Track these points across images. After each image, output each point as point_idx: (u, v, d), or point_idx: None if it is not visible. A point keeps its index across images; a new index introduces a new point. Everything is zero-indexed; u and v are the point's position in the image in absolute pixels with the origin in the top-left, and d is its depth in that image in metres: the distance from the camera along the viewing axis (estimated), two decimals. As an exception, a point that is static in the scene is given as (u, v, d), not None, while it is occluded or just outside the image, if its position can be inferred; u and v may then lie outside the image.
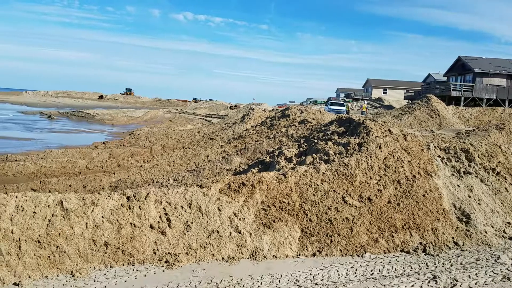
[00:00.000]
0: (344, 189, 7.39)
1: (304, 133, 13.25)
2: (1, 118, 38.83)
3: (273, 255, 6.29)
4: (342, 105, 37.91)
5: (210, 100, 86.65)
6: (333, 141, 9.36)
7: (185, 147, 20.07)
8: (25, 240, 5.31)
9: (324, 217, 6.86)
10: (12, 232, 5.29)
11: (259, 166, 10.06)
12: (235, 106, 65.22)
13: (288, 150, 9.98)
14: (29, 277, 5.11)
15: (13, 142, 22.84)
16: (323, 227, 6.76)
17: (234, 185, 6.92)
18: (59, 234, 5.50)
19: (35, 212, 5.52)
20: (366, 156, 8.03)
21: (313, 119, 16.46)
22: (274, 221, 6.63)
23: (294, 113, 18.20)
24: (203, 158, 15.13)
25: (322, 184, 7.30)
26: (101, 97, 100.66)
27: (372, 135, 8.79)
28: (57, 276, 5.23)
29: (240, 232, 6.40)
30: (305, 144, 10.51)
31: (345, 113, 30.76)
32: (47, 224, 5.53)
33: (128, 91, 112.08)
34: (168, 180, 12.91)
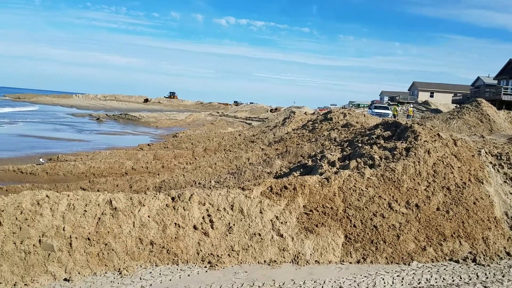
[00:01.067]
0: (390, 195, 7.17)
1: (348, 137, 13.01)
2: (53, 120, 41.01)
3: (316, 260, 6.20)
4: (386, 108, 36.83)
5: (250, 103, 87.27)
6: (378, 145, 9.11)
7: (226, 150, 20.29)
8: (76, 238, 5.53)
9: (369, 223, 6.68)
10: (63, 230, 5.53)
11: (301, 170, 9.97)
12: (276, 109, 65.26)
13: (331, 154, 9.82)
14: (79, 273, 5.31)
15: (64, 143, 24.02)
16: (368, 233, 6.59)
17: (276, 188, 6.89)
18: (108, 232, 5.69)
19: (86, 211, 5.75)
20: (414, 162, 7.75)
21: (357, 122, 16.14)
22: (316, 225, 6.54)
23: (336, 116, 17.93)
24: (244, 161, 15.22)
25: (367, 189, 7.12)
26: (146, 100, 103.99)
27: (421, 139, 8.48)
28: (105, 273, 5.40)
29: (282, 236, 6.36)
30: (349, 148, 10.31)
31: (389, 116, 29.87)
32: (97, 222, 5.74)
33: (172, 95, 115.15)
34: (210, 182, 13.09)
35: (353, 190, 7.05)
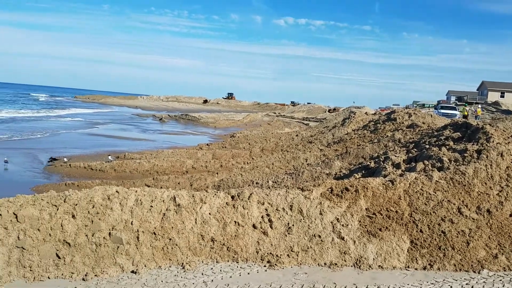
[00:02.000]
0: (460, 199, 6.74)
1: (413, 138, 12.44)
2: (120, 120, 43.37)
3: (379, 265, 5.97)
4: (454, 108, 34.75)
5: (308, 103, 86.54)
6: (447, 147, 8.61)
7: (284, 150, 20.25)
8: (143, 232, 5.76)
9: (437, 229, 6.32)
10: (131, 224, 5.79)
11: (363, 172, 9.67)
12: (334, 109, 64.16)
13: (395, 156, 9.43)
14: (145, 266, 5.53)
15: (130, 142, 25.30)
16: (435, 239, 6.24)
17: (336, 190, 6.73)
18: (172, 227, 5.88)
19: (152, 206, 5.98)
20: (485, 165, 7.23)
21: (423, 123, 15.38)
22: (380, 229, 6.30)
23: (401, 117, 17.22)
24: (302, 161, 15.09)
25: (435, 193, 6.74)
26: (205, 101, 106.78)
27: (493, 141, 7.90)
28: (170, 266, 5.58)
29: (343, 239, 6.19)
30: (415, 149, 9.84)
31: (457, 117, 28.19)
32: (162, 218, 5.94)
33: (230, 96, 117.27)
34: (268, 182, 13.12)
35: (420, 194, 6.71)
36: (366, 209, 6.59)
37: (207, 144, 24.46)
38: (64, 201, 5.72)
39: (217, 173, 15.40)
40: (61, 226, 5.51)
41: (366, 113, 29.90)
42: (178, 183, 14.08)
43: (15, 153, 18.29)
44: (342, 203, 6.57)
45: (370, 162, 10.25)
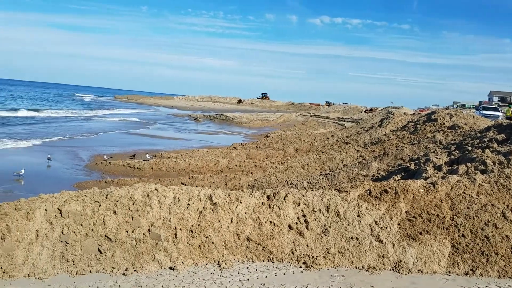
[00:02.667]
0: (504, 203, 6.43)
1: (455, 140, 11.99)
2: (156, 120, 44.40)
3: (419, 270, 5.79)
4: (496, 109, 33.25)
5: (343, 103, 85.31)
6: (491, 149, 8.25)
7: (319, 151, 20.06)
8: (180, 229, 5.86)
9: (480, 234, 6.06)
10: (169, 221, 5.90)
11: (402, 173, 9.42)
12: (371, 109, 62.91)
13: (436, 158, 9.13)
14: (182, 263, 5.62)
15: (167, 141, 25.85)
16: (478, 244, 5.98)
17: (375, 192, 6.59)
18: (208, 226, 5.95)
19: (189, 204, 6.07)
20: (535, 168, 6.87)
21: (465, 124, 14.81)
22: (420, 233, 6.11)
23: (442, 118, 16.66)
24: (338, 162, 14.89)
25: (478, 196, 6.46)
26: (239, 101, 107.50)
27: (543, 143, 7.49)
28: (206, 264, 5.65)
29: (381, 242, 6.06)
30: (457, 151, 9.48)
31: (500, 118, 26.94)
32: (199, 216, 6.02)
33: (264, 96, 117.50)
34: (302, 182, 13.03)
35: (462, 197, 6.46)
36: (406, 212, 6.42)
37: (241, 144, 24.61)
38: (106, 198, 5.91)
39: (251, 173, 15.46)
40: (103, 221, 5.69)
41: (404, 113, 29.14)
42: (213, 182, 14.24)
43: (58, 150, 19.10)
44: (381, 205, 6.42)
45: (410, 164, 9.96)
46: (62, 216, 5.68)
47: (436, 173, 8.15)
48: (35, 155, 17.68)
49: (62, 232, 5.61)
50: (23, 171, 13.37)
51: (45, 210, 5.69)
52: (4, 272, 5.22)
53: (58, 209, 5.71)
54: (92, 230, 5.66)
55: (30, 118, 36.92)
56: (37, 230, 5.57)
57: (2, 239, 5.42)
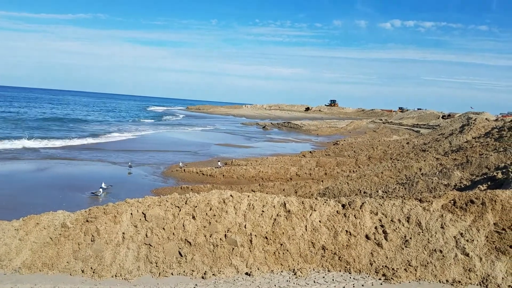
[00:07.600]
0: None
1: (548, 146, 10.87)
2: (227, 128, 45.59)
3: (509, 286, 5.30)
4: None
5: (418, 109, 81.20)
6: None
7: (393, 159, 19.25)
8: (255, 235, 5.92)
9: None
10: (245, 227, 5.99)
11: (488, 183, 8.72)
12: (449, 115, 59.18)
13: (528, 166, 8.33)
14: (258, 269, 5.67)
15: (237, 149, 26.42)
16: None
17: (460, 202, 6.17)
18: (283, 233, 5.95)
19: (263, 211, 6.12)
20: None
21: (559, 129, 13.39)
22: (510, 246, 5.60)
23: (530, 123, 15.23)
24: (415, 171, 14.17)
25: None
26: (307, 109, 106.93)
27: None
28: (281, 272, 5.64)
29: (467, 255, 5.64)
30: (553, 159, 8.58)
31: None
32: (273, 223, 6.05)
33: (332, 103, 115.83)
34: (377, 191, 12.57)
35: None
36: (494, 223, 5.93)
37: (310, 152, 24.38)
38: (186, 203, 6.16)
39: (321, 181, 15.23)
40: (183, 226, 5.94)
41: (486, 119, 27.04)
42: (283, 190, 14.24)
43: (137, 158, 20.34)
44: (466, 216, 5.99)
45: (497, 173, 9.19)
46: (146, 220, 6.02)
47: (531, 183, 7.43)
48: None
49: (146, 235, 5.93)
50: (101, 190, 12.66)
51: (131, 214, 6.07)
52: (94, 272, 5.62)
53: (143, 213, 6.06)
54: (173, 233, 5.92)
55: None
56: (123, 233, 5.95)
57: (92, 240, 5.87)
